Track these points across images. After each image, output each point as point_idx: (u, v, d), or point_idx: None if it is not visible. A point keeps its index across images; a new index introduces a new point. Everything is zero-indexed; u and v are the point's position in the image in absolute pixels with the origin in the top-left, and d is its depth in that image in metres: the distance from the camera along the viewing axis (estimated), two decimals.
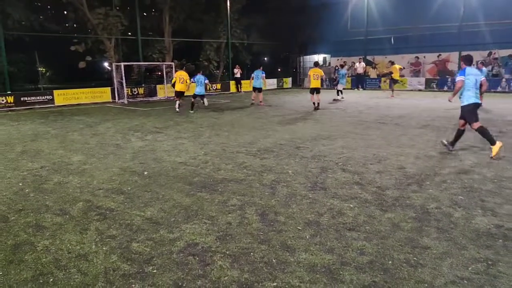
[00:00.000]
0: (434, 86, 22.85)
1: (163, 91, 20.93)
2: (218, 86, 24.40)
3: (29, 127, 11.06)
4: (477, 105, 6.52)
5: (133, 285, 2.84)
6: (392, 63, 19.25)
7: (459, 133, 6.84)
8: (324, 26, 26.65)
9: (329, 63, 29.29)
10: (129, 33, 22.53)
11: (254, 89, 16.13)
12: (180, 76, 13.83)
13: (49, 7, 23.16)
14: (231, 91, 24.64)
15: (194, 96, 14.11)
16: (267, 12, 27.54)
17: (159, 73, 23.72)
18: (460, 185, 5.01)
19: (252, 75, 16.19)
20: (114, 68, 19.18)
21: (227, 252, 3.30)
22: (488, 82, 21.09)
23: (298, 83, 30.19)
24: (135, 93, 20.12)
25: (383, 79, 21.30)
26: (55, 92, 17.63)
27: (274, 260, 3.16)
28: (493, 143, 6.36)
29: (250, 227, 3.81)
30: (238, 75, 24.33)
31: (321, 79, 14.27)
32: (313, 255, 3.22)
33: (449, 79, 22.40)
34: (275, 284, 2.82)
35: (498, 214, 4.04)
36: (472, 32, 21.86)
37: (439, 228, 3.71)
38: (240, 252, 3.30)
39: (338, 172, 5.69)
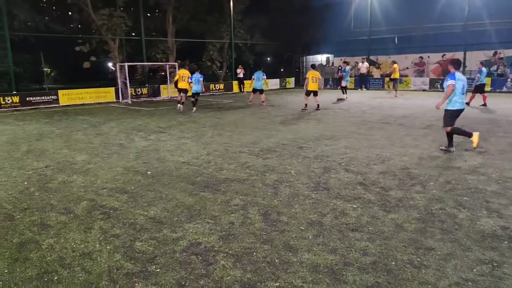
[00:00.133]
0: (439, 86, 22.72)
1: (167, 91, 20.98)
2: (221, 86, 24.42)
3: (34, 127, 11.13)
4: (461, 111, 6.70)
5: (137, 284, 2.85)
6: (394, 62, 19.36)
7: (451, 135, 6.91)
8: (327, 26, 26.59)
9: (332, 63, 29.24)
10: (133, 34, 22.61)
11: (254, 90, 16.13)
12: (183, 74, 14.40)
13: (54, 8, 23.31)
14: (234, 91, 24.66)
15: (193, 95, 14.37)
16: (270, 12, 27.53)
17: (163, 73, 23.78)
18: (464, 186, 4.99)
19: (253, 76, 16.23)
20: (118, 68, 19.26)
21: (230, 252, 3.31)
22: (493, 82, 21.12)
23: (301, 83, 30.08)
24: (139, 93, 20.19)
25: (386, 79, 21.28)
26: (60, 92, 17.73)
27: (276, 260, 3.16)
28: (470, 135, 6.72)
29: (253, 227, 3.81)
30: (241, 75, 24.34)
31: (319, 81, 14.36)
32: (316, 255, 3.22)
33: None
34: (277, 284, 2.82)
35: (503, 215, 4.01)
36: (477, 32, 21.72)
37: (443, 229, 3.70)
38: (242, 252, 3.30)
39: (341, 173, 5.68)
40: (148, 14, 23.92)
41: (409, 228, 3.74)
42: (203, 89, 15.43)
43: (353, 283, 2.82)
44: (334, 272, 2.97)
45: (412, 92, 22.00)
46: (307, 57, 31.12)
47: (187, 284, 2.85)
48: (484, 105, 13.93)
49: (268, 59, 33.98)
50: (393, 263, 3.09)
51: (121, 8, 21.11)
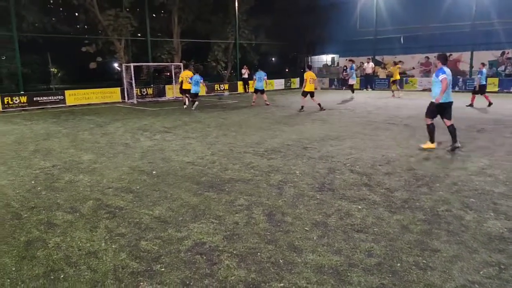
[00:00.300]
0: None
1: (172, 92, 21.07)
2: (226, 86, 24.46)
3: (41, 127, 11.23)
4: (445, 104, 6.86)
5: (142, 283, 2.87)
6: (395, 63, 19.45)
7: (451, 131, 6.98)
8: (332, 26, 26.51)
9: (338, 63, 29.14)
10: (139, 34, 22.74)
11: (256, 91, 16.15)
12: (186, 75, 15.04)
13: (61, 9, 23.51)
14: (238, 92, 24.69)
15: (192, 95, 14.93)
16: (275, 12, 27.51)
17: (168, 74, 23.90)
18: (471, 187, 4.94)
19: (254, 76, 16.27)
20: (124, 68, 19.38)
21: (234, 252, 3.31)
22: (501, 82, 20.90)
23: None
24: (144, 93, 20.30)
25: (392, 79, 21.21)
26: (67, 92, 17.90)
27: (281, 261, 3.15)
28: (432, 141, 7.13)
29: (257, 227, 3.82)
30: (246, 76, 24.36)
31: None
32: (321, 256, 3.21)
33: (460, 79, 22.12)
34: (282, 284, 2.82)
35: (511, 217, 3.97)
36: (484, 31, 21.51)
37: (449, 231, 3.67)
38: (247, 252, 3.31)
39: (346, 173, 5.66)
40: (154, 15, 24.04)
41: (415, 229, 3.71)
42: (206, 89, 15.84)
43: (357, 284, 2.81)
44: (339, 273, 2.96)
45: (418, 92, 21.86)
46: (312, 57, 31.04)
47: (191, 283, 2.85)
48: (490, 104, 13.82)
49: (273, 59, 33.96)
50: (399, 264, 3.07)
51: (127, 9, 21.24)
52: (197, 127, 10.46)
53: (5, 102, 15.84)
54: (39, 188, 5.24)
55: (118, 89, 19.47)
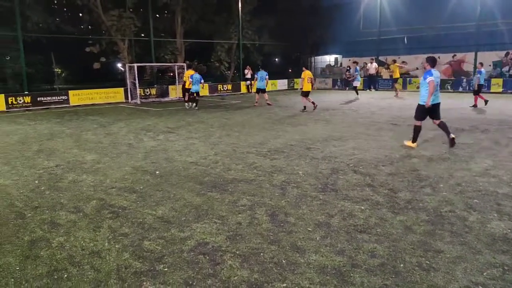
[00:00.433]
0: (449, 87, 22.48)
1: (175, 92, 21.11)
2: (229, 86, 24.49)
3: (45, 127, 11.29)
4: (436, 106, 7.08)
5: (145, 283, 2.88)
6: (394, 61, 19.43)
7: (442, 127, 7.26)
8: (336, 26, 26.47)
9: (341, 63, 29.09)
10: (142, 35, 22.80)
11: (258, 90, 16.17)
12: (189, 75, 15.46)
13: (65, 9, 23.62)
14: (242, 92, 24.70)
15: (192, 94, 15.34)
16: (278, 12, 27.50)
17: (171, 74, 23.92)
18: (475, 188, 4.92)
19: (256, 76, 16.29)
20: (127, 69, 19.44)
21: (237, 252, 3.31)
22: (505, 83, 20.78)
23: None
24: (148, 94, 20.35)
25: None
26: (70, 92, 17.97)
27: (284, 261, 3.15)
28: (414, 141, 7.33)
29: (260, 228, 3.82)
30: (249, 76, 24.37)
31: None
32: (323, 257, 3.21)
33: (464, 80, 22.02)
34: (284, 285, 2.82)
35: None
36: (488, 32, 21.42)
37: (453, 232, 3.65)
38: (250, 252, 3.31)
39: (349, 174, 5.65)
40: (157, 15, 24.10)
41: (418, 230, 3.70)
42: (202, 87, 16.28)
43: (360, 285, 2.80)
44: (342, 273, 2.95)
45: None
46: (315, 57, 31.00)
47: (194, 283, 2.86)
48: (475, 106, 13.79)
49: (276, 59, 33.94)
50: (402, 265, 3.06)
51: (130, 9, 21.31)
52: (200, 128, 10.48)
53: (9, 102, 15.92)
54: (42, 188, 5.27)
55: (121, 89, 19.53)
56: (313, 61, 31.31)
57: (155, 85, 21.47)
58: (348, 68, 26.15)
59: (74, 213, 4.31)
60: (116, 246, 3.49)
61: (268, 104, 16.02)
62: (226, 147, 7.77)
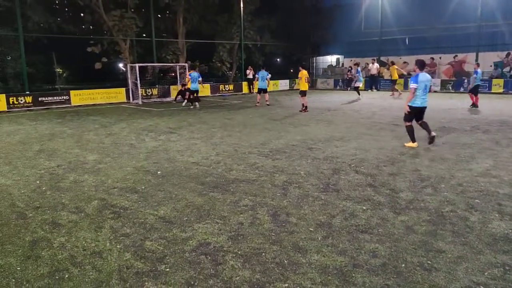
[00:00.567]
0: (450, 87, 22.44)
1: (177, 92, 21.11)
2: (231, 87, 24.49)
3: (46, 127, 11.31)
4: (422, 109, 7.28)
5: (146, 283, 2.88)
6: (392, 63, 19.52)
7: (423, 126, 7.48)
8: (337, 26, 26.47)
9: (343, 64, 29.07)
10: (144, 35, 22.83)
11: (259, 90, 16.19)
12: (189, 73, 15.75)
13: (66, 9, 23.64)
14: (243, 92, 24.71)
15: (192, 92, 15.51)
16: (280, 13, 27.51)
17: (173, 74, 23.94)
18: (476, 188, 4.91)
19: (257, 75, 16.32)
20: (129, 69, 19.46)
21: (239, 252, 3.32)
22: (506, 83, 20.76)
23: (310, 84, 30.01)
24: (149, 94, 20.37)
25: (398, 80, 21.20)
26: (72, 92, 18.00)
27: (285, 261, 3.15)
28: (413, 141, 7.42)
29: (262, 228, 3.82)
30: (251, 76, 24.37)
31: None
32: (325, 257, 3.21)
33: (466, 81, 21.98)
34: (286, 285, 2.82)
35: None
36: (489, 33, 21.40)
37: (454, 232, 3.65)
38: (251, 252, 3.31)
39: (351, 174, 5.65)
40: (159, 15, 24.11)
41: (420, 230, 3.70)
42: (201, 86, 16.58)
43: (362, 285, 2.80)
44: (343, 273, 2.95)
45: None
46: (317, 58, 30.99)
47: (196, 283, 2.86)
48: (474, 105, 13.75)
49: (278, 60, 33.94)
50: (403, 265, 3.06)
51: (132, 9, 21.33)
52: (202, 128, 10.49)
53: (11, 102, 15.95)
54: (44, 188, 5.28)
55: (123, 90, 19.55)
56: (314, 61, 31.30)
57: (157, 85, 21.49)
58: (349, 69, 26.14)
59: (76, 213, 4.32)
60: (118, 246, 3.49)
61: (267, 104, 16.03)
62: (227, 147, 7.77)
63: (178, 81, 21.07)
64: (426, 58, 24.01)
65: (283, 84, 27.34)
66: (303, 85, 13.75)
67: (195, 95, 15.62)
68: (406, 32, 24.29)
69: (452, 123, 10.57)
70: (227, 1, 24.56)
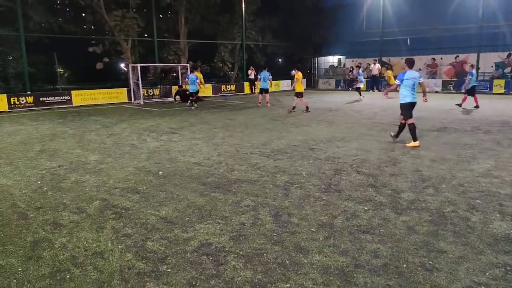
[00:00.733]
0: (451, 88, 22.41)
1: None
2: (233, 87, 24.50)
3: (48, 127, 11.33)
4: (412, 104, 7.59)
5: (148, 284, 2.88)
6: (387, 68, 19.59)
7: (401, 126, 7.90)
8: (339, 27, 26.45)
9: (344, 64, 29.06)
10: (146, 35, 22.85)
11: (261, 90, 16.20)
12: (187, 75, 16.21)
13: (68, 9, 23.69)
14: (245, 92, 24.71)
15: (191, 94, 15.72)
16: (282, 13, 27.51)
17: (175, 74, 23.96)
18: (477, 188, 4.91)
19: (259, 76, 16.34)
20: (130, 69, 19.49)
21: (241, 253, 3.32)
22: (507, 84, 20.70)
23: (312, 85, 30.05)
24: (151, 94, 20.39)
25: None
26: (73, 92, 18.03)
27: (287, 261, 3.15)
28: (415, 140, 7.52)
29: (264, 228, 3.82)
30: (252, 76, 24.38)
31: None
32: (327, 257, 3.21)
33: (466, 81, 21.95)
34: (288, 285, 2.82)
35: None
36: (490, 33, 21.37)
37: (455, 232, 3.64)
38: (253, 253, 3.31)
39: (353, 174, 5.65)
40: (161, 15, 24.14)
41: (421, 230, 3.69)
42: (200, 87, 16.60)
43: (363, 285, 2.80)
44: (345, 274, 2.95)
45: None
46: (318, 58, 30.98)
47: (198, 284, 2.86)
48: (477, 107, 13.71)
49: (280, 60, 33.93)
50: (405, 265, 3.06)
51: (134, 10, 21.36)
52: (204, 128, 10.49)
53: (12, 102, 15.98)
54: (45, 188, 5.29)
55: (124, 90, 19.57)
56: (316, 61, 31.29)
57: (158, 86, 21.51)
58: (351, 69, 26.13)
59: (77, 214, 4.33)
60: (119, 246, 3.50)
61: (267, 104, 16.03)
62: (229, 147, 7.78)
63: (180, 82, 21.10)
64: (427, 58, 24.08)
65: (285, 84, 27.33)
66: (299, 87, 13.77)
67: (193, 97, 15.83)
68: (408, 32, 24.26)
69: (453, 123, 10.55)
70: (229, 1, 24.58)
